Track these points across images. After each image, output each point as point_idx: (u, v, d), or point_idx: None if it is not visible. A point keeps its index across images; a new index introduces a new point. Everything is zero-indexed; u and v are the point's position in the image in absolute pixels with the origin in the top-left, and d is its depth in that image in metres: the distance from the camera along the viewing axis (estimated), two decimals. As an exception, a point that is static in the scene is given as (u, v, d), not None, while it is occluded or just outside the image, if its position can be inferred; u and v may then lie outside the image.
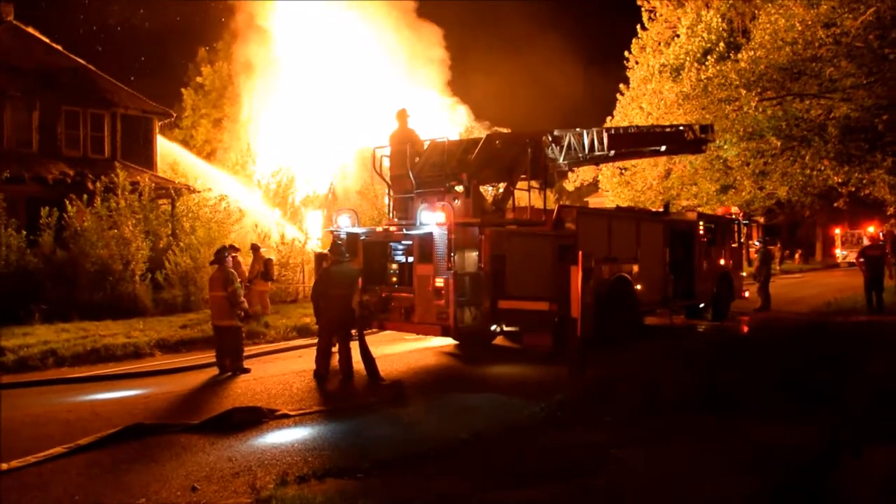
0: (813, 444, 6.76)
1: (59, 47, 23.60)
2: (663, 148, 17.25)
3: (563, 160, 13.66)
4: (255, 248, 17.79)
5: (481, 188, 12.93)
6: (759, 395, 8.48)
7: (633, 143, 16.26)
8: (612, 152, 15.08)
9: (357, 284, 10.40)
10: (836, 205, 25.77)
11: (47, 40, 23.92)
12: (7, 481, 6.21)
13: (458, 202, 12.21)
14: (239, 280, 11.31)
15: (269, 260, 17.54)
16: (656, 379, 9.35)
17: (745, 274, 19.39)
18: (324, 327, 10.54)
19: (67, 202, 17.09)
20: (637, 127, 19.47)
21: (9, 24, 23.66)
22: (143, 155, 22.72)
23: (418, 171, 12.61)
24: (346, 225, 12.67)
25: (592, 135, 14.14)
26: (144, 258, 17.50)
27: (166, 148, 25.62)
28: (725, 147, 21.81)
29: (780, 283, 26.09)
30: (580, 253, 10.49)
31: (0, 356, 11.72)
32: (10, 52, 21.56)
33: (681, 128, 17.36)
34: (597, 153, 14.53)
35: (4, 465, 6.40)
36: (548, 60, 55.85)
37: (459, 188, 12.25)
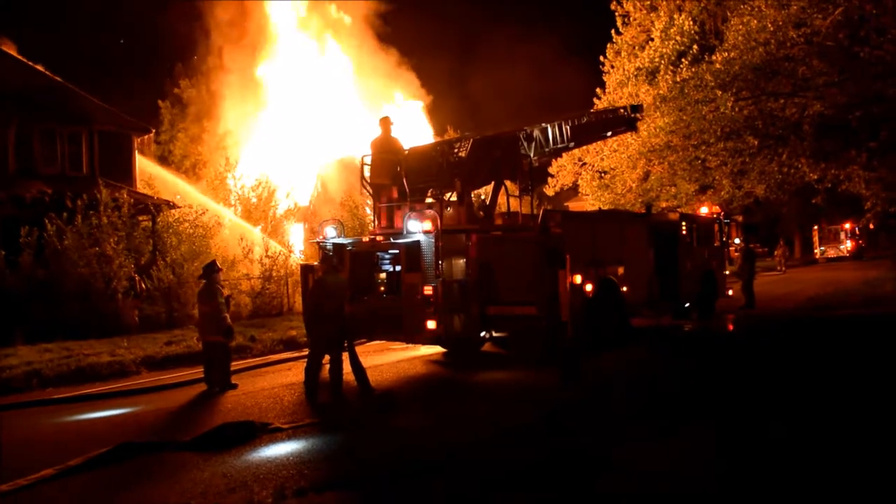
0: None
1: (35, 65, 23.34)
2: (609, 133, 19.41)
3: (534, 155, 14.16)
4: None
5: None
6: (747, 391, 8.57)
7: (588, 130, 17.57)
8: (572, 143, 16.37)
9: (346, 295, 10.31)
10: (813, 201, 26.06)
11: (22, 58, 23.67)
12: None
13: (449, 209, 12.23)
14: (224, 295, 11.11)
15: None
16: (647, 380, 9.41)
17: (728, 272, 19.55)
18: (316, 340, 10.39)
19: (47, 221, 16.86)
20: (588, 114, 20.16)
21: (-18, 43, 23.45)
22: (122, 171, 22.48)
23: (403, 179, 12.61)
24: (332, 236, 12.62)
25: (555, 127, 14.95)
26: (127, 275, 17.33)
27: (144, 164, 25.35)
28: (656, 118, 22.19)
29: (762, 281, 26.32)
30: (567, 257, 10.53)
31: (-18, 379, 11.58)
32: (-17, 71, 21.32)
33: (620, 110, 19.54)
34: (559, 145, 15.51)
35: (-6, 490, 6.28)
36: (523, 65, 56.32)
37: (448, 195, 12.28)
